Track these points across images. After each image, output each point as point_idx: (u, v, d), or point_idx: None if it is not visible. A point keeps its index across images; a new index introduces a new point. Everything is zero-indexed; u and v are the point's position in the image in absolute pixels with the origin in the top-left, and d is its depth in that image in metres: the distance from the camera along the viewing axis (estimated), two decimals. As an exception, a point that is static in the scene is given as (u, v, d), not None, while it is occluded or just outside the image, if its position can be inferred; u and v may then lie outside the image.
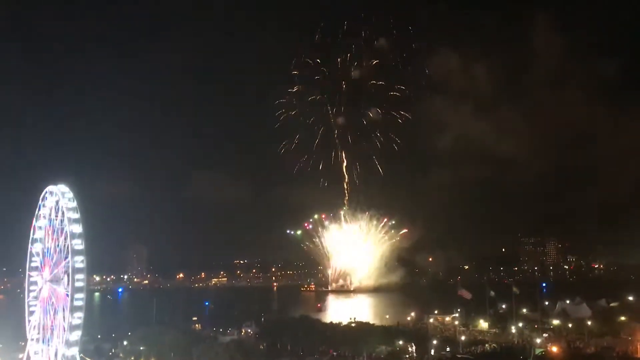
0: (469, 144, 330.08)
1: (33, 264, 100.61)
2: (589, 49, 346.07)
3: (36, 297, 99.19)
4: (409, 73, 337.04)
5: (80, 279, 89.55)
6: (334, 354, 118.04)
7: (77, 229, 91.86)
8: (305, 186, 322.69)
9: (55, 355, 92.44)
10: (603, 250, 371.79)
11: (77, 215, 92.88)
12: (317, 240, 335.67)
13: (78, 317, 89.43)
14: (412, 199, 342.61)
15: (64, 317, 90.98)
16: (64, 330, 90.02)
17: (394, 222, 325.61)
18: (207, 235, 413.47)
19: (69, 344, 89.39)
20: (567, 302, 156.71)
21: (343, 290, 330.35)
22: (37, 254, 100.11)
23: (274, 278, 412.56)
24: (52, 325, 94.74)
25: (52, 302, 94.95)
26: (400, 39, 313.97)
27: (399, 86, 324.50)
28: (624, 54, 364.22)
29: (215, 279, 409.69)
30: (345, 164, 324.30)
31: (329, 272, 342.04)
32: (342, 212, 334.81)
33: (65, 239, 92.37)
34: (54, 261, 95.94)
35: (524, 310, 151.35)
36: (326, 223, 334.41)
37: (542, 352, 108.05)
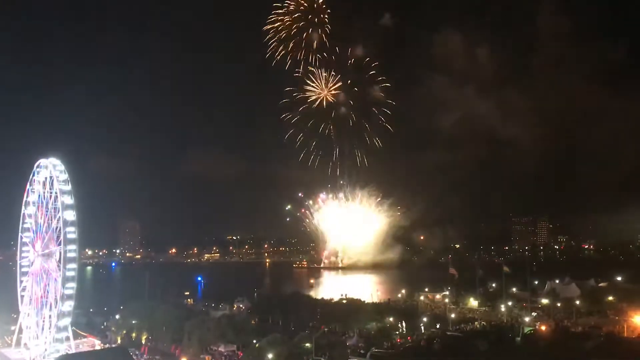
0: (465, 126, 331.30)
1: (25, 237, 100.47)
2: (593, 31, 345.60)
3: (28, 270, 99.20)
4: (412, 53, 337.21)
5: (72, 250, 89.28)
6: (325, 329, 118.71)
7: (69, 202, 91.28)
8: (301, 164, 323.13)
9: (49, 327, 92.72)
10: (593, 231, 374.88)
11: (69, 189, 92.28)
12: (310, 217, 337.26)
13: (70, 287, 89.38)
14: (407, 179, 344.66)
15: (55, 290, 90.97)
16: (56, 303, 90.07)
17: (389, 201, 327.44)
18: (200, 210, 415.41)
19: (61, 315, 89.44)
20: (557, 281, 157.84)
21: (335, 267, 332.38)
22: (29, 227, 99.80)
23: (266, 254, 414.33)
24: (44, 298, 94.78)
25: (44, 276, 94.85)
26: (403, 19, 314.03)
27: (401, 66, 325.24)
28: (628, 37, 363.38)
29: (208, 255, 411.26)
30: (342, 143, 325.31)
31: (323, 249, 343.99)
32: (337, 190, 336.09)
33: (57, 212, 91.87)
34: (45, 234, 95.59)
35: (514, 289, 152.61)
36: (320, 200, 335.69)
37: (530, 330, 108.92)
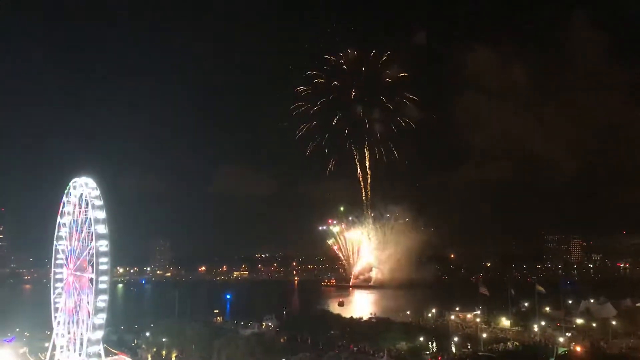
0: (499, 143, 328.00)
1: (58, 256, 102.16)
2: (628, 48, 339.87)
3: (61, 288, 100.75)
4: (446, 71, 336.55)
5: (104, 269, 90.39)
6: (354, 349, 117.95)
7: (102, 223, 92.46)
8: (329, 183, 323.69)
9: (80, 344, 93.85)
10: (629, 250, 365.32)
11: (101, 208, 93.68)
12: (340, 236, 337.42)
13: (101, 318, 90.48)
14: (439, 196, 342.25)
15: (88, 310, 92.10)
16: (89, 320, 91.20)
17: (421, 218, 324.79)
18: (229, 229, 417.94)
19: (93, 335, 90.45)
20: (592, 301, 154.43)
21: (364, 286, 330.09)
22: (62, 247, 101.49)
23: (294, 272, 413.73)
24: (76, 315, 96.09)
25: (77, 294, 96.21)
26: (436, 38, 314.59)
27: (434, 84, 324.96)
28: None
29: (237, 272, 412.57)
30: (370, 161, 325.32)
31: (352, 267, 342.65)
32: (366, 209, 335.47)
33: (90, 230, 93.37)
34: (78, 253, 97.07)
35: (547, 308, 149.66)
36: (350, 219, 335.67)
37: (565, 351, 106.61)
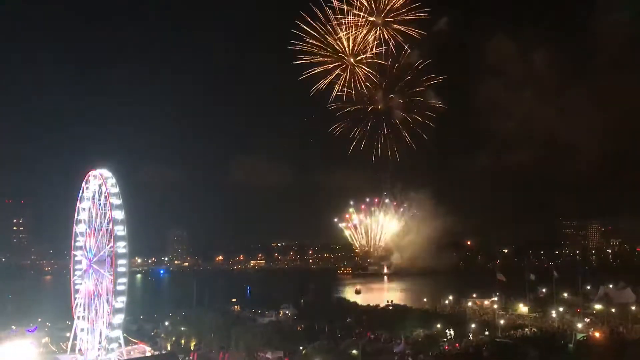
0: (516, 128, 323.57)
1: (77, 246, 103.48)
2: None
3: (81, 278, 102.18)
4: (465, 55, 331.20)
5: (122, 264, 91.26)
6: (371, 336, 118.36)
7: (120, 224, 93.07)
8: (346, 169, 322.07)
9: (100, 334, 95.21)
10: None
11: (120, 208, 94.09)
12: (356, 224, 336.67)
13: (121, 301, 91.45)
14: (455, 182, 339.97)
15: (107, 299, 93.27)
16: (108, 312, 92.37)
17: (438, 206, 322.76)
18: (246, 218, 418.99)
19: (111, 333, 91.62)
20: (610, 286, 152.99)
21: (381, 274, 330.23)
22: (81, 236, 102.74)
23: (311, 261, 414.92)
24: (96, 306, 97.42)
25: (96, 284, 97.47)
26: (456, 22, 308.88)
27: (453, 68, 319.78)
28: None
29: (254, 262, 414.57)
30: (389, 146, 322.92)
31: (368, 255, 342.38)
32: (383, 196, 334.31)
33: (108, 221, 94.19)
34: (97, 243, 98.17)
35: (565, 294, 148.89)
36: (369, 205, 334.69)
37: (583, 337, 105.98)
